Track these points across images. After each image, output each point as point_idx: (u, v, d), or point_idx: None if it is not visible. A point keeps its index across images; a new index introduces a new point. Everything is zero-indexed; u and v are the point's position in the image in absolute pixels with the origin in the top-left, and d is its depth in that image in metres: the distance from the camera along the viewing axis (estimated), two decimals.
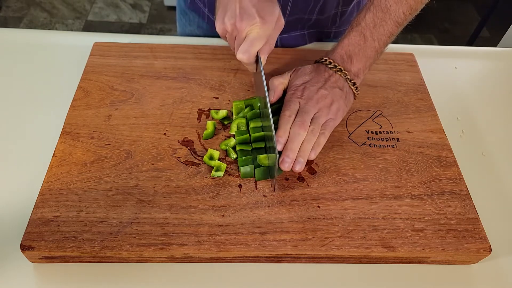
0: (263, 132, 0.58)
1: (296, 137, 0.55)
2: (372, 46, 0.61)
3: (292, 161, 0.54)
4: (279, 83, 0.62)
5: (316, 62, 0.64)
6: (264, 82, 0.55)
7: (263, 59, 0.57)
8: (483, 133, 0.68)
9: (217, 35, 0.81)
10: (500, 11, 1.86)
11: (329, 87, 0.60)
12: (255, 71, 0.60)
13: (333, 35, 0.81)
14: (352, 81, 0.61)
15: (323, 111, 0.58)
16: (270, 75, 0.69)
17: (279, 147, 0.54)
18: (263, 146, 0.58)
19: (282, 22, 0.55)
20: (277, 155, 0.52)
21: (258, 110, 0.62)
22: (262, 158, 0.56)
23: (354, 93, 0.62)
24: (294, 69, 0.64)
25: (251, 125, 0.59)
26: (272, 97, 0.61)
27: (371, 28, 0.60)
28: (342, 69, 0.61)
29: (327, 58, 0.62)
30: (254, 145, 0.58)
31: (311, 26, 0.78)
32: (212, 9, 0.78)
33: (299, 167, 0.54)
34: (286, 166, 0.53)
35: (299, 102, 0.58)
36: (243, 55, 0.54)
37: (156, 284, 0.49)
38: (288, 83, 0.63)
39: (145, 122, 0.61)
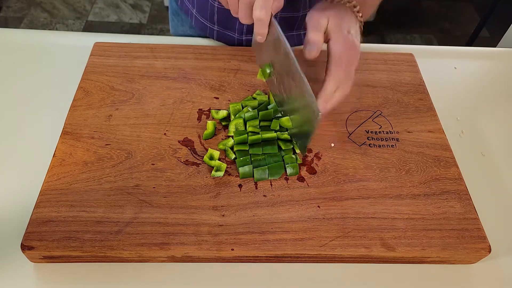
0: (260, 135, 0.58)
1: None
2: None
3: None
4: (319, 38, 0.56)
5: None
6: (286, 42, 0.53)
7: (272, 17, 0.53)
8: (483, 133, 0.68)
9: (206, 37, 0.81)
10: (500, 11, 1.86)
11: (358, 34, 0.58)
12: (264, 39, 0.55)
13: None
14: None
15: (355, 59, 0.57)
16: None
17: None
18: (260, 152, 0.57)
19: None
20: (318, 116, 0.50)
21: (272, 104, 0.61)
22: (285, 120, 0.58)
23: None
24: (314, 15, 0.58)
25: (249, 127, 0.59)
26: (314, 52, 0.55)
27: None
28: (361, 15, 0.59)
29: None
30: (251, 151, 0.58)
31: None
32: (201, 9, 0.77)
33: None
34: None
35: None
36: (261, 11, 0.51)
37: (156, 284, 0.50)
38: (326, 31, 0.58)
39: (145, 122, 0.61)
